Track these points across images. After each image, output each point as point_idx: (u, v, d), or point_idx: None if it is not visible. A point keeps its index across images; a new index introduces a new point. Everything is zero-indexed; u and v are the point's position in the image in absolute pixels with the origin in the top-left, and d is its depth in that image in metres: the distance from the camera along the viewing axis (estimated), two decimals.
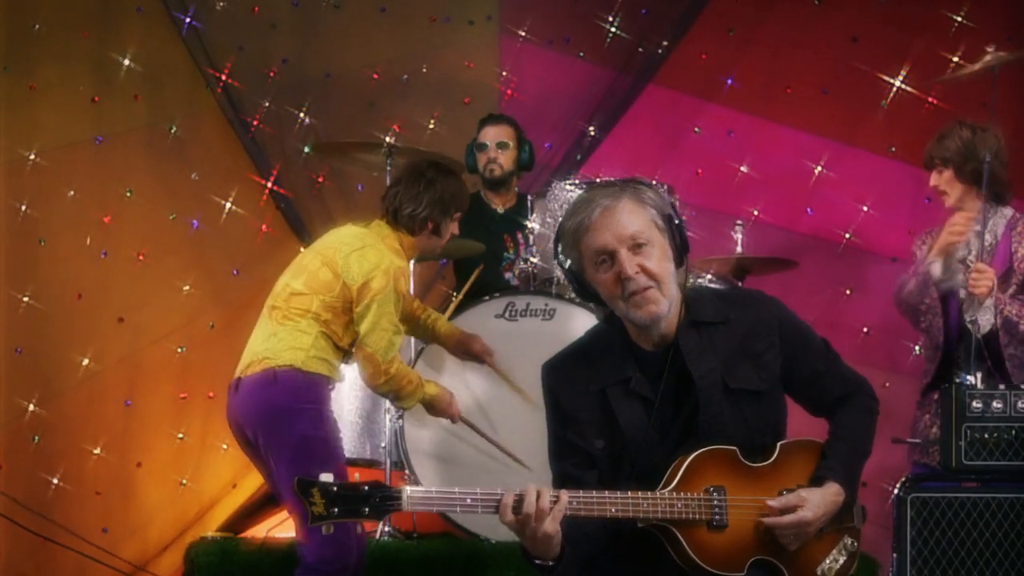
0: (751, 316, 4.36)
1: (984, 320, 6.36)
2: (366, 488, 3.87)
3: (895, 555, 5.70)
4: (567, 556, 4.08)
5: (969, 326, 6.37)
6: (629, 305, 4.20)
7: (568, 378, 4.35)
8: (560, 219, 4.35)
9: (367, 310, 5.97)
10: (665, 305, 4.19)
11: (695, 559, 4.11)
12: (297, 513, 5.80)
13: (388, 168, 7.21)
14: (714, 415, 4.23)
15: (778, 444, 4.32)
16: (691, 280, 4.42)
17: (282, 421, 5.87)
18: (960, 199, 6.57)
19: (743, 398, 4.28)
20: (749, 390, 4.28)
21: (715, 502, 4.16)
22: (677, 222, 4.26)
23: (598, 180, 6.79)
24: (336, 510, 3.84)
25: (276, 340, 5.96)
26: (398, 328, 6.08)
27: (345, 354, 6.09)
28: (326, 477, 3.86)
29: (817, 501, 4.24)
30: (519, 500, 3.95)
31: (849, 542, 4.38)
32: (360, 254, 6.00)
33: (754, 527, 4.21)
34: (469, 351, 6.78)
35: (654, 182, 4.34)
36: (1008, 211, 6.61)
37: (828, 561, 4.32)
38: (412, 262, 6.47)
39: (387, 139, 7.61)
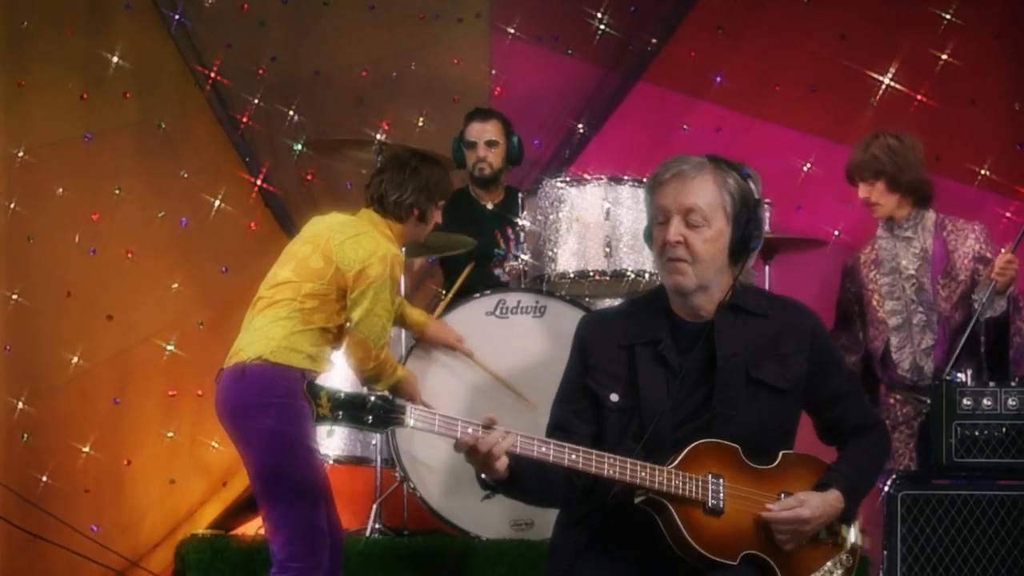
0: (789, 318, 4.45)
1: (999, 304, 6.40)
2: (372, 398, 3.95)
3: (885, 552, 5.71)
4: (513, 484, 4.15)
5: (976, 307, 6.40)
6: (663, 267, 4.34)
7: (601, 330, 4.46)
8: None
9: (363, 296, 5.94)
10: (693, 282, 4.30)
11: (688, 538, 4.14)
12: (266, 507, 5.86)
13: (378, 165, 7.20)
14: (729, 397, 4.30)
15: (781, 452, 4.36)
16: (748, 279, 4.44)
17: (249, 416, 5.84)
18: (893, 209, 6.69)
19: (762, 391, 4.33)
20: (770, 384, 4.34)
21: (713, 486, 4.20)
22: (751, 217, 4.33)
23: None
24: (340, 414, 3.93)
25: (252, 331, 5.95)
26: (391, 315, 6.09)
27: (332, 344, 6.07)
28: (336, 385, 4.02)
29: (816, 503, 4.29)
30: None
31: (845, 557, 4.40)
32: (355, 241, 5.99)
33: (751, 520, 4.24)
34: (440, 338, 6.79)
35: (748, 172, 4.36)
36: (931, 214, 6.72)
37: (823, 571, 4.35)
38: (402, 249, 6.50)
39: (378, 136, 7.60)
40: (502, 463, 4.06)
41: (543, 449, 4.09)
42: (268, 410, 5.80)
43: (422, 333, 6.78)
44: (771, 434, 4.35)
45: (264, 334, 5.88)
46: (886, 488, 5.69)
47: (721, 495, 4.20)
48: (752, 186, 4.36)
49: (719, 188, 4.31)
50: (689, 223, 4.28)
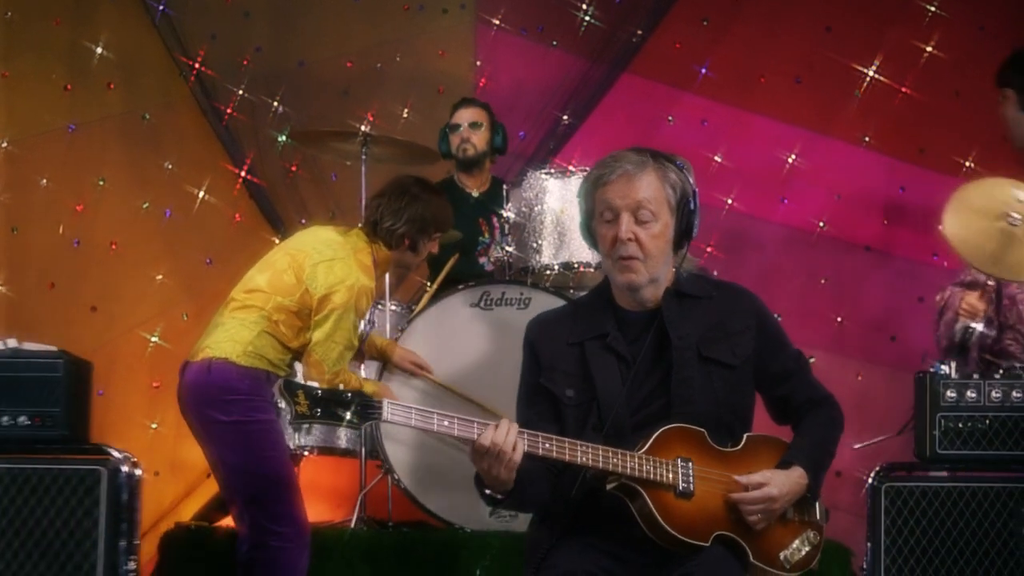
0: (733, 299, 4.56)
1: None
2: (348, 395, 4.00)
3: (869, 544, 5.72)
4: (515, 493, 4.20)
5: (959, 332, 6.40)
6: (614, 266, 4.40)
7: (549, 331, 4.54)
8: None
9: (324, 320, 5.97)
10: (645, 278, 4.39)
11: (661, 522, 4.17)
12: (239, 498, 5.94)
13: (363, 157, 7.20)
14: (685, 378, 4.36)
15: (745, 435, 4.43)
16: (688, 266, 4.52)
17: (211, 410, 5.91)
18: None
19: (715, 369, 4.41)
20: (721, 361, 4.42)
21: (683, 469, 4.24)
22: (691, 208, 4.44)
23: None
24: (319, 411, 3.97)
25: (220, 331, 6.00)
26: (351, 344, 6.08)
27: (294, 355, 6.10)
28: (312, 383, 4.02)
29: (782, 481, 4.33)
30: (495, 429, 4.08)
31: (812, 535, 4.45)
32: (328, 266, 6.00)
33: (721, 502, 4.28)
34: (410, 362, 6.78)
35: (680, 162, 4.43)
36: None
37: (791, 548, 4.39)
38: (387, 274, 6.54)
39: (363, 128, 7.60)
40: (512, 468, 4.10)
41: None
42: (234, 404, 5.90)
43: (389, 359, 6.79)
44: (729, 413, 4.42)
45: (231, 336, 5.95)
46: (870, 480, 5.70)
47: (691, 478, 4.24)
48: (688, 176, 4.47)
49: (662, 182, 4.41)
50: (638, 219, 4.37)
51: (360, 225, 6.30)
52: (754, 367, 4.49)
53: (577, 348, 4.45)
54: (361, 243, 6.18)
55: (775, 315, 4.68)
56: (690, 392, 4.35)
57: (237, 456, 5.89)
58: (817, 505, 4.48)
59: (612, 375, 4.39)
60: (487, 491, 4.23)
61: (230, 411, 5.88)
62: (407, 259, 6.31)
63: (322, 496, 7.84)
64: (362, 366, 6.87)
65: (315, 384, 4.00)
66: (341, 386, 6.01)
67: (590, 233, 4.51)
